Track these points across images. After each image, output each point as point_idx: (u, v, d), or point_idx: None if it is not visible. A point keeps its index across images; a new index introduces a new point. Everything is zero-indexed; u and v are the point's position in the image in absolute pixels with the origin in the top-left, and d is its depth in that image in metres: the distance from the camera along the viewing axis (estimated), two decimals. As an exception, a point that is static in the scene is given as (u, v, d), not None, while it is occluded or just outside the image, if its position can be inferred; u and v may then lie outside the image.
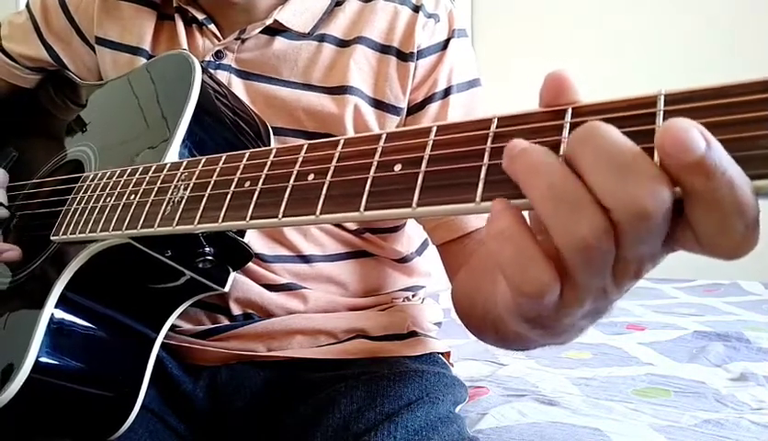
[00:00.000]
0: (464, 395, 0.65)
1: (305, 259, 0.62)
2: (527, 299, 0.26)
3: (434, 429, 0.51)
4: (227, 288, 0.53)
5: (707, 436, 0.72)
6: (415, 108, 0.62)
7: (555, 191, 0.24)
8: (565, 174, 0.24)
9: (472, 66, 0.64)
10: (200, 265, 0.47)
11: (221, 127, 0.54)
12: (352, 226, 0.63)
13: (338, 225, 0.63)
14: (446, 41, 0.62)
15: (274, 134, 0.59)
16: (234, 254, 0.52)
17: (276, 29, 0.61)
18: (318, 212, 0.30)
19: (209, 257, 0.47)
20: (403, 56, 0.60)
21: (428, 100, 0.61)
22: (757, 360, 1.00)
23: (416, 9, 0.61)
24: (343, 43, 0.61)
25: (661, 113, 0.23)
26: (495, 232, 0.25)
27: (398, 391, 0.54)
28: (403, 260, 0.68)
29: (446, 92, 0.61)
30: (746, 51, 1.99)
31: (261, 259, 0.60)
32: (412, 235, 0.70)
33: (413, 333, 0.66)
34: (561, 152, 0.25)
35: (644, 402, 0.84)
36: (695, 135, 0.21)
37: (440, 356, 0.68)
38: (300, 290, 0.62)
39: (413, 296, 0.71)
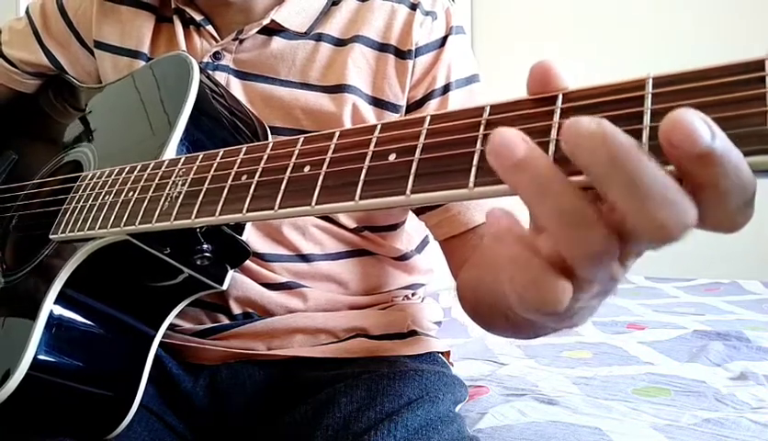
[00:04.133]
0: (464, 394, 0.65)
1: (304, 258, 0.62)
2: (542, 314, 0.26)
3: (434, 428, 0.51)
4: (225, 287, 0.54)
5: (707, 436, 0.72)
6: (414, 105, 0.62)
7: (566, 215, 0.23)
8: (572, 191, 0.23)
9: (470, 62, 0.65)
10: (198, 263, 0.47)
11: (219, 127, 0.55)
12: (351, 224, 0.64)
13: (337, 223, 0.63)
14: (444, 38, 0.62)
15: (272, 134, 0.59)
16: (232, 251, 0.52)
17: (273, 29, 0.61)
18: (314, 203, 0.30)
19: (207, 254, 0.47)
20: (401, 54, 0.61)
21: (427, 97, 0.61)
22: (757, 359, 0.99)
23: (413, 7, 0.62)
24: (340, 42, 0.62)
25: (650, 96, 0.24)
26: (507, 260, 0.26)
27: (398, 390, 0.54)
28: (403, 258, 0.68)
29: (445, 88, 0.62)
30: (749, 49, 2.00)
31: (260, 258, 0.60)
32: (412, 233, 0.70)
33: (413, 333, 0.66)
34: (552, 137, 0.25)
35: (644, 402, 0.83)
36: (701, 124, 0.21)
37: (440, 355, 0.68)
38: (300, 289, 0.62)
39: (413, 294, 0.71)
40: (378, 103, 0.61)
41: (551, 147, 0.25)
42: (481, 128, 0.27)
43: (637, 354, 1.06)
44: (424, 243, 0.72)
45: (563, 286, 0.25)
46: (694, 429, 0.74)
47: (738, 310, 1.42)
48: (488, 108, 0.27)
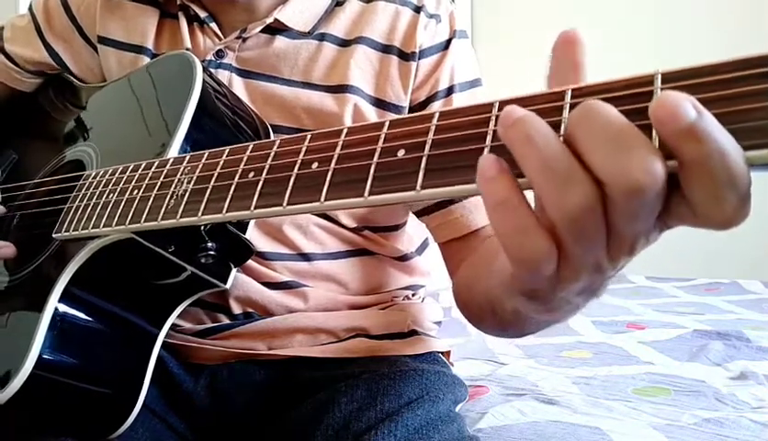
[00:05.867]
0: (464, 394, 0.65)
1: (305, 257, 0.62)
2: (525, 269, 0.27)
3: (435, 428, 0.51)
4: (228, 285, 0.54)
5: (707, 435, 0.72)
6: (417, 107, 0.62)
7: (547, 162, 0.24)
8: (558, 146, 0.25)
9: (473, 66, 0.65)
10: (202, 261, 0.47)
11: (221, 126, 0.55)
12: (352, 223, 0.64)
13: (338, 223, 0.63)
14: (448, 42, 0.62)
15: (273, 132, 0.60)
16: (236, 249, 0.52)
17: (276, 28, 0.61)
18: (323, 199, 0.30)
19: (212, 252, 0.47)
20: (405, 56, 0.61)
21: (430, 99, 0.62)
22: (757, 359, 1.00)
23: (417, 10, 0.62)
24: (343, 43, 0.62)
25: (658, 91, 0.24)
26: (495, 203, 0.26)
27: (398, 390, 0.54)
28: (403, 258, 0.68)
29: (449, 91, 0.62)
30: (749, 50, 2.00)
31: (261, 257, 0.60)
32: (413, 234, 0.70)
33: (414, 332, 0.66)
34: (561, 132, 0.25)
35: (644, 401, 0.84)
36: (687, 104, 0.22)
37: (440, 355, 0.68)
38: (301, 288, 0.62)
39: (414, 295, 0.71)
40: (380, 104, 0.61)
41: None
42: (491, 124, 0.27)
43: (637, 353, 1.06)
44: (424, 245, 0.72)
45: (547, 241, 0.26)
46: (694, 429, 0.74)
47: (738, 310, 1.43)
48: (497, 104, 0.27)
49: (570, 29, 0.28)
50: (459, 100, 0.62)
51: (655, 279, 1.86)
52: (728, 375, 0.93)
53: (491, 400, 0.85)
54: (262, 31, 0.61)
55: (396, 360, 0.61)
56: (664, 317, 1.36)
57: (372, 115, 0.61)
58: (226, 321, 0.61)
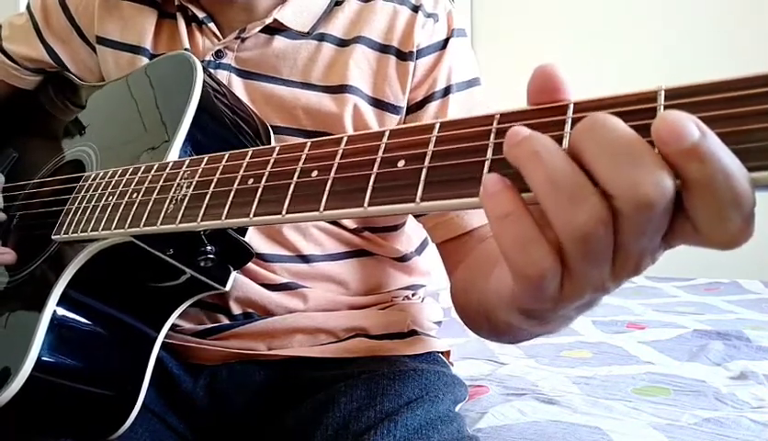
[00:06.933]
0: (464, 394, 0.65)
1: (304, 259, 0.62)
2: (529, 285, 0.26)
3: (434, 428, 0.52)
4: (228, 288, 0.53)
5: (707, 435, 0.72)
6: (415, 107, 0.62)
7: (555, 179, 0.24)
8: (566, 162, 0.24)
9: (472, 65, 0.65)
10: (202, 264, 0.47)
11: (222, 127, 0.54)
12: (351, 225, 0.64)
13: (338, 224, 0.63)
14: (446, 41, 0.62)
15: (273, 133, 0.59)
16: (235, 252, 0.52)
17: (275, 29, 0.61)
18: (322, 208, 0.30)
19: (211, 256, 0.47)
20: (403, 55, 0.61)
21: (428, 99, 0.61)
22: (757, 359, 1.00)
23: (415, 9, 0.62)
24: (342, 43, 0.61)
25: (662, 108, 0.24)
26: (499, 216, 0.26)
27: (398, 390, 0.54)
28: (403, 259, 0.68)
29: (446, 91, 0.61)
30: (749, 51, 2.00)
31: (261, 258, 0.60)
32: (412, 235, 0.70)
33: (414, 332, 0.66)
34: (564, 146, 0.25)
35: (644, 401, 0.84)
36: (690, 124, 0.22)
37: (440, 354, 0.68)
38: (300, 289, 0.62)
39: (413, 295, 0.71)
40: (378, 104, 0.61)
41: None
42: (492, 136, 0.27)
43: (637, 353, 1.06)
44: (424, 245, 0.72)
45: (551, 254, 0.25)
46: (694, 429, 0.74)
47: (738, 310, 1.43)
48: (498, 117, 0.27)
49: (546, 65, 0.27)
50: (457, 100, 0.62)
51: (655, 279, 1.86)
52: (728, 375, 0.93)
53: (491, 399, 0.85)
54: (261, 31, 0.61)
55: (396, 360, 0.61)
56: (664, 317, 1.36)
57: (371, 115, 0.61)
58: (226, 321, 0.61)
